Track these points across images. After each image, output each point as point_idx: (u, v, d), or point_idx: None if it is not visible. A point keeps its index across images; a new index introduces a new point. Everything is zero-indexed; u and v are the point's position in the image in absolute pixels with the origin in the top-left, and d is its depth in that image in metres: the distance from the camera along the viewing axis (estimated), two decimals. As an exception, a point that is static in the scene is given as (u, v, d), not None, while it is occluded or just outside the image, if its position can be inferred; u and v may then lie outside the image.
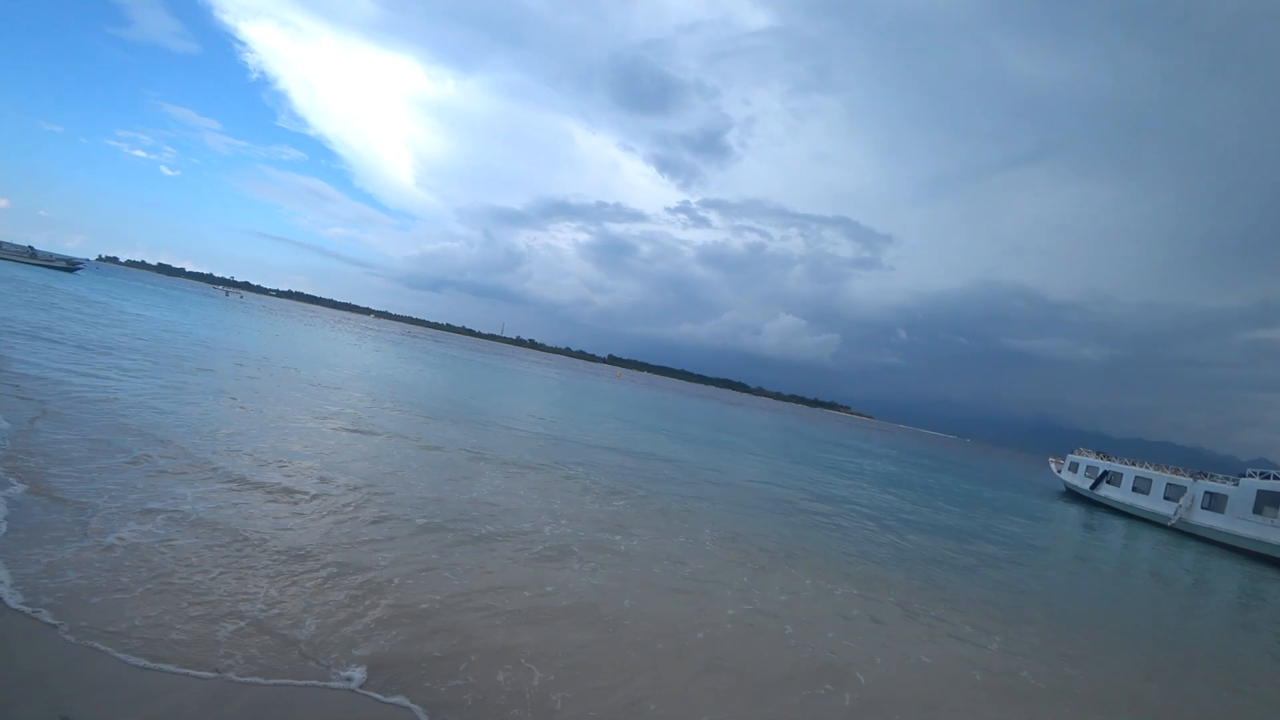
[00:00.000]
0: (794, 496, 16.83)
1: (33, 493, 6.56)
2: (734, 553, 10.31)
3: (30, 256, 68.93)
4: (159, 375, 15.29)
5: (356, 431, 13.28)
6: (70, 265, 74.22)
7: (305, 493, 8.36)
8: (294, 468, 9.52)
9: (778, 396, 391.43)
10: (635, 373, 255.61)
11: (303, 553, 6.62)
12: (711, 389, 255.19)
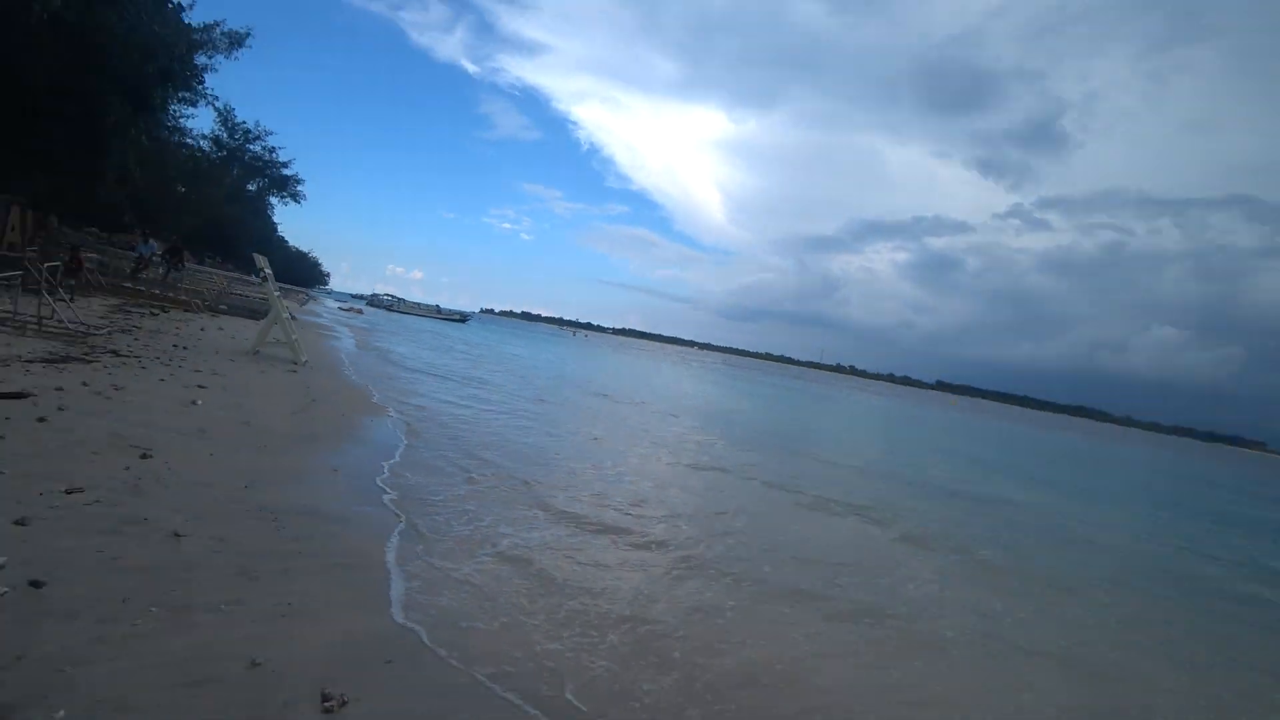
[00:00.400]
0: (1216, 573, 10.17)
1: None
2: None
3: (437, 313, 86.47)
4: (517, 406, 14.83)
5: (695, 467, 11.06)
6: (463, 317, 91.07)
7: (651, 538, 6.56)
8: (641, 510, 7.59)
9: (1153, 428, 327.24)
10: (968, 399, 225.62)
11: (648, 618, 4.64)
12: (1062, 417, 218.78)
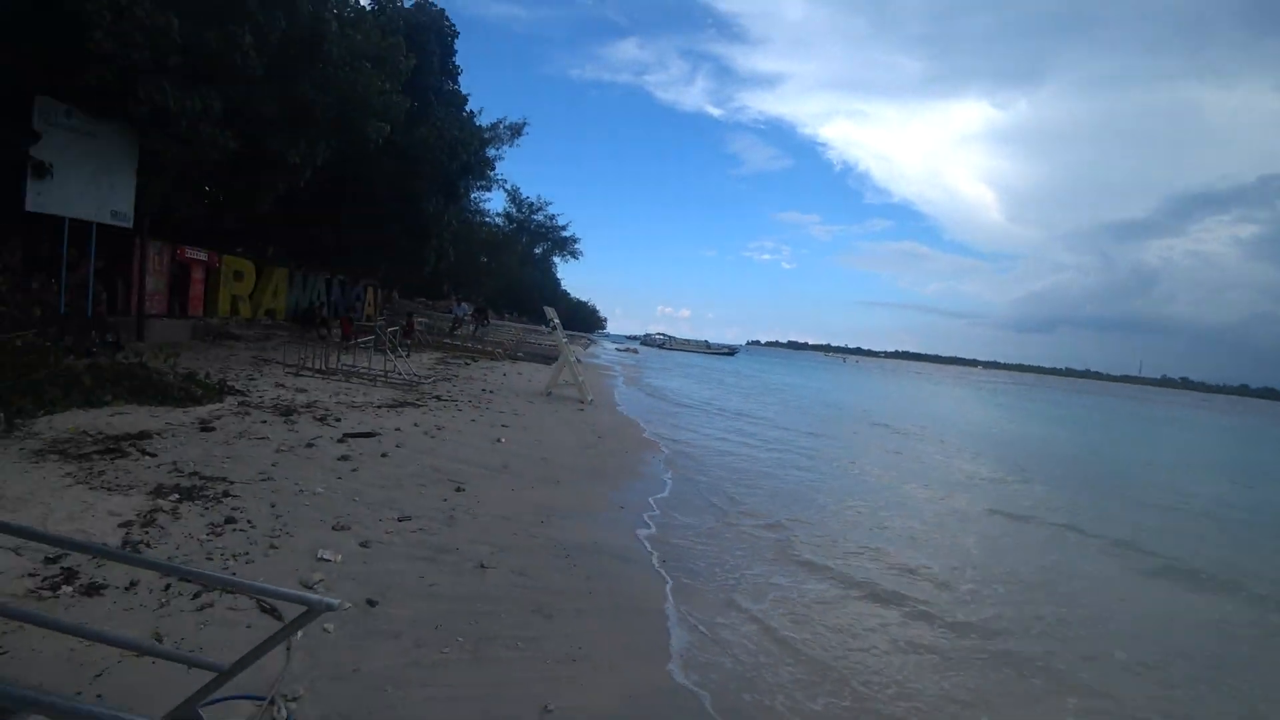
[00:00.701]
0: None
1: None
2: None
3: (706, 348, 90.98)
4: (787, 439, 13.61)
5: (993, 513, 9.06)
6: (731, 350, 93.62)
7: (942, 611, 5.24)
8: (930, 572, 6.18)
9: None
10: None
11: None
12: None
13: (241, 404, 8.24)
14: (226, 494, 4.98)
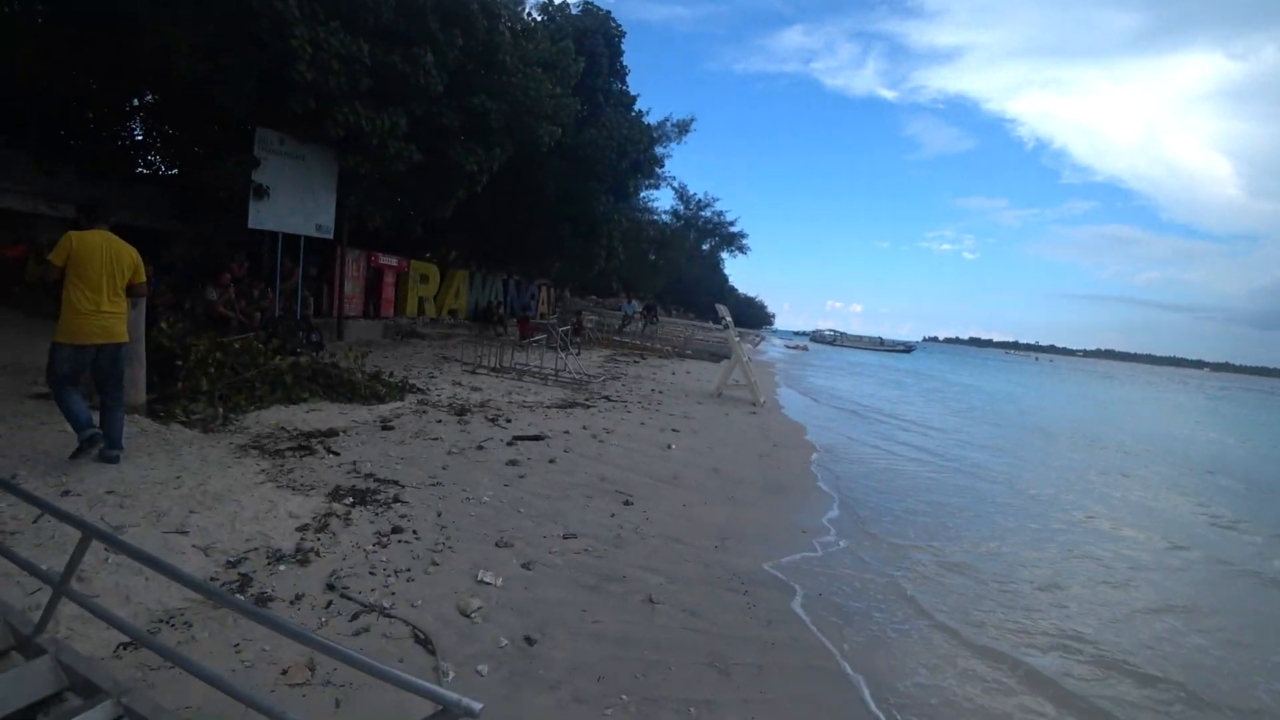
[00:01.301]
0: None
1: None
2: None
3: (880, 345, 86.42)
4: (973, 459, 10.94)
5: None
6: (907, 348, 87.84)
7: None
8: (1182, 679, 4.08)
9: None
10: None
11: None
12: None
13: (420, 402, 8.40)
14: (397, 499, 4.81)
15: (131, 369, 6.65)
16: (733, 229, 53.28)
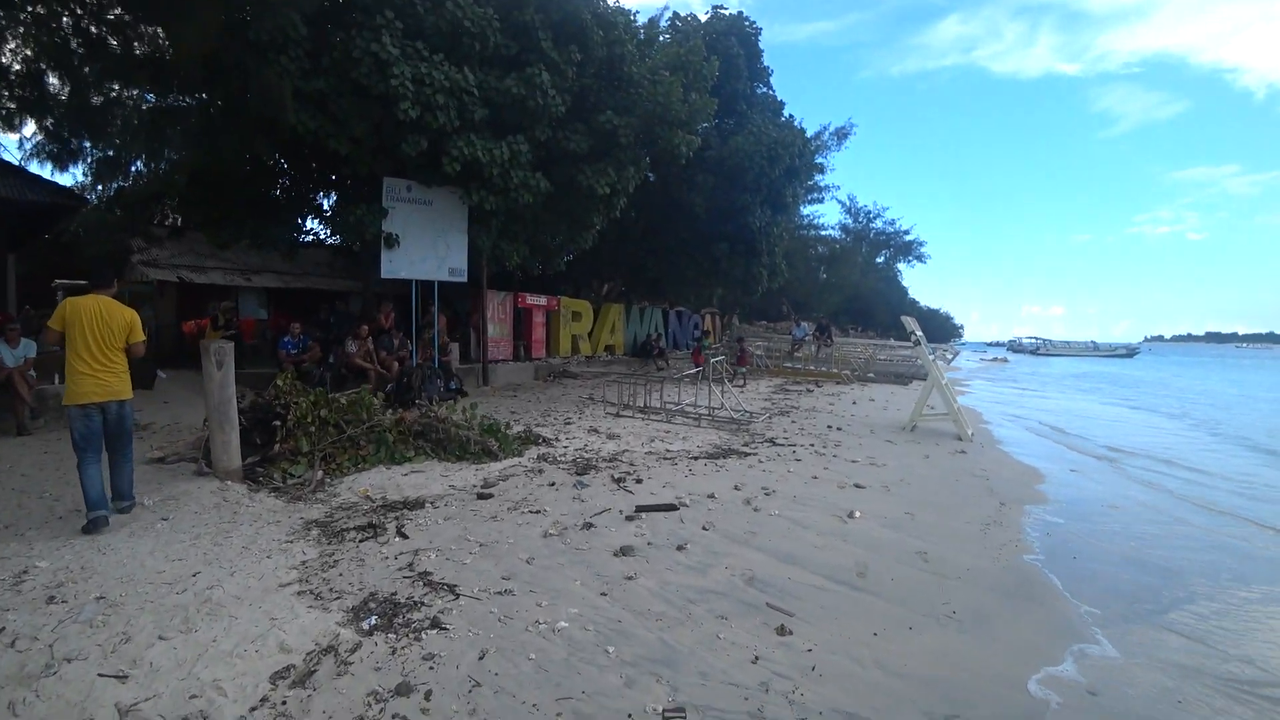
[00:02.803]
0: None
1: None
2: None
3: (1093, 350, 74.40)
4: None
5: None
6: (1129, 351, 75.65)
7: None
8: None
9: None
10: None
11: None
12: None
13: (540, 457, 7.02)
14: (437, 622, 3.27)
15: (222, 433, 5.99)
16: (908, 238, 48.58)
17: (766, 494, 5.77)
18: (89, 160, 12.63)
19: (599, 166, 11.29)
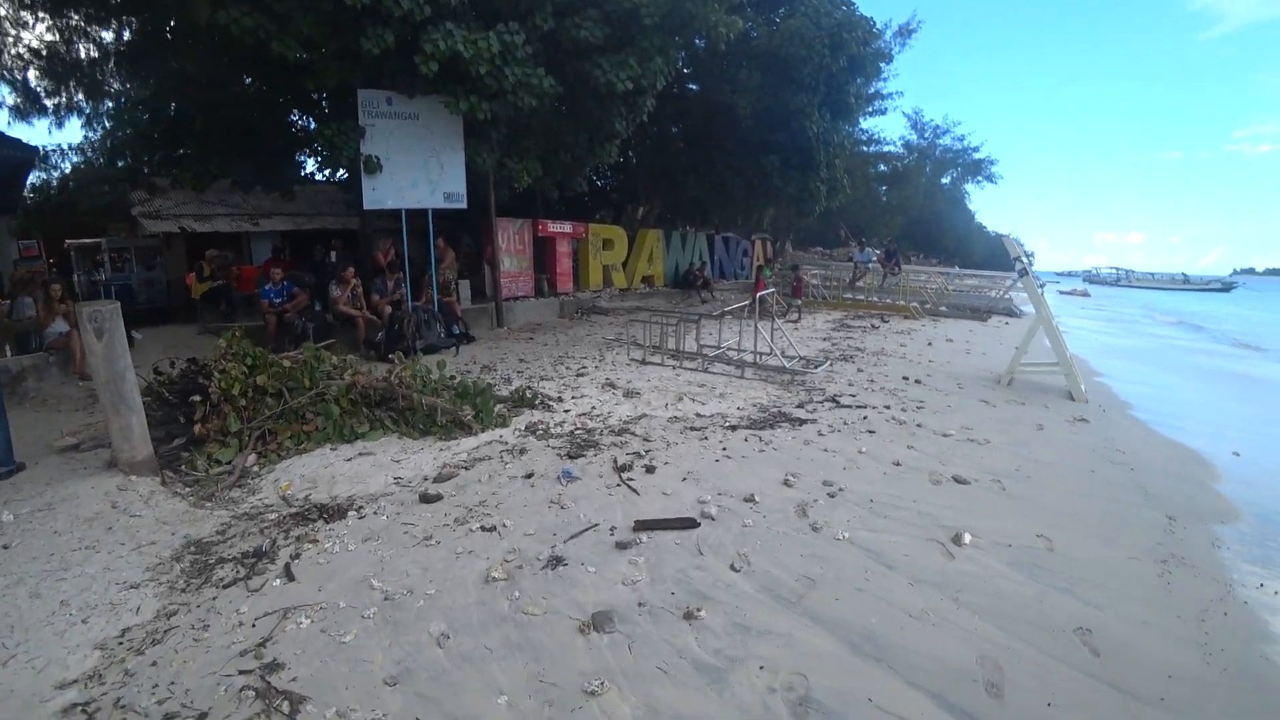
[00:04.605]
0: None
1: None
2: None
3: (1183, 282, 66.82)
4: None
5: None
6: (1225, 285, 67.35)
7: None
8: None
9: None
10: None
11: None
12: None
13: (530, 428, 5.45)
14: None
15: (119, 417, 4.66)
16: (978, 156, 43.77)
17: (830, 494, 4.04)
18: (57, 111, 11.50)
19: (618, 58, 9.20)
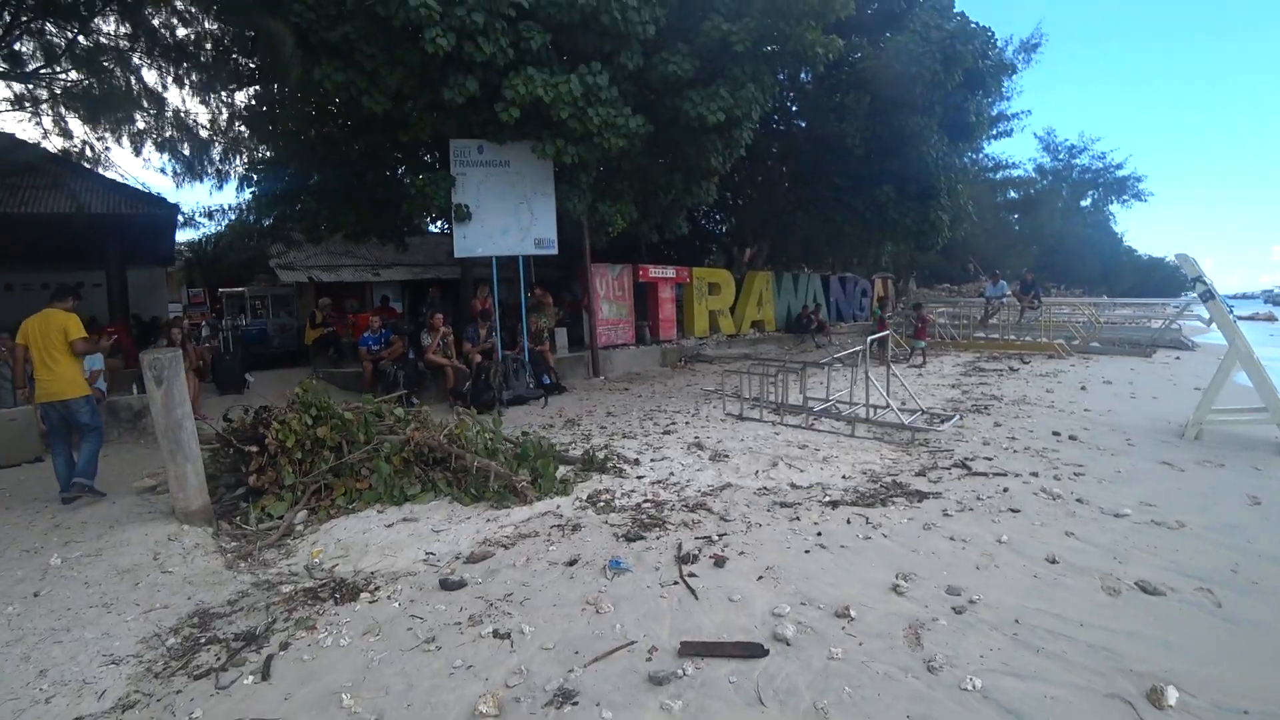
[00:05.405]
0: None
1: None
2: None
3: None
4: None
5: None
6: None
7: None
8: None
9: None
10: None
11: None
12: None
13: (592, 498, 4.79)
14: None
15: (175, 465, 4.58)
16: (1121, 173, 39.16)
17: (956, 609, 3.01)
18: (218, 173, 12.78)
19: (709, 90, 8.68)
